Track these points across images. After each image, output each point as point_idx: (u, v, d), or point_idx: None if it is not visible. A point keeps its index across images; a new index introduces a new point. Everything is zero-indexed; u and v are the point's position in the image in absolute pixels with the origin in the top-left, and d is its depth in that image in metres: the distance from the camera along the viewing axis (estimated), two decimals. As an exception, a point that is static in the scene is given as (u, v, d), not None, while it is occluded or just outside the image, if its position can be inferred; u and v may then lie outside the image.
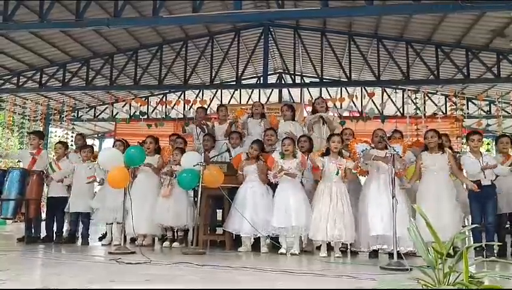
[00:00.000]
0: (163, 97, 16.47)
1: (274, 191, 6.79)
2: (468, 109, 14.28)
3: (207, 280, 4.33)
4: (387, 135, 6.94)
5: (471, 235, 6.60)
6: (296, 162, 6.66)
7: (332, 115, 8.58)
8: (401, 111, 14.80)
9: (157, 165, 7.49)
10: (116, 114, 16.17)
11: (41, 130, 13.64)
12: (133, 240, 7.53)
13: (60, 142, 8.71)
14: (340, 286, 4.10)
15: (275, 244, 6.60)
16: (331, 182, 6.45)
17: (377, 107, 14.48)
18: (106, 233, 7.82)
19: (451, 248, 3.20)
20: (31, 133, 8.33)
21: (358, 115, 14.41)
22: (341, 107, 14.32)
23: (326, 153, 6.65)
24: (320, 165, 6.52)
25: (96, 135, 19.56)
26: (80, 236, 7.65)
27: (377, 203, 6.05)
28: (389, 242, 5.82)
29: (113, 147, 8.06)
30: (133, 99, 15.64)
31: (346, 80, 12.64)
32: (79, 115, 16.85)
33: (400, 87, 14.79)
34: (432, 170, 6.39)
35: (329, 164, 6.48)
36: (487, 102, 14.36)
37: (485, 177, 6.35)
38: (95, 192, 8.05)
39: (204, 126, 8.56)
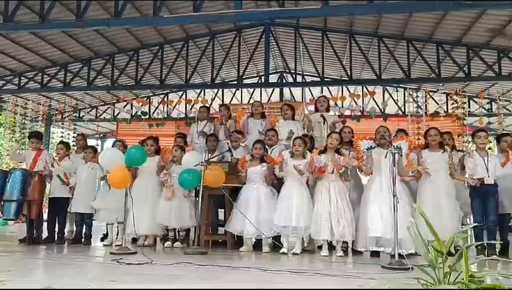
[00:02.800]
0: (164, 97, 16.48)
1: (278, 192, 6.81)
2: (469, 107, 14.24)
3: (208, 280, 4.33)
4: (392, 134, 6.92)
5: (472, 234, 6.59)
6: (305, 162, 6.66)
7: (333, 114, 8.55)
8: (403, 110, 14.78)
9: (157, 165, 7.51)
10: (117, 114, 16.17)
11: (40, 130, 13.62)
12: (134, 240, 7.53)
13: (61, 142, 8.70)
14: (341, 285, 4.10)
15: (276, 244, 6.61)
16: (328, 180, 6.45)
17: (378, 106, 14.47)
18: (107, 233, 7.83)
19: (453, 247, 3.20)
20: (30, 137, 8.29)
21: (359, 113, 14.39)
22: (342, 106, 14.33)
23: (325, 150, 6.65)
24: (319, 163, 6.52)
25: (97, 135, 19.57)
26: (83, 236, 7.66)
27: (378, 205, 6.05)
28: (388, 245, 5.82)
29: (112, 146, 8.06)
30: (134, 99, 15.65)
31: (347, 78, 12.65)
32: (80, 116, 16.88)
33: (401, 85, 14.78)
34: (432, 169, 6.40)
35: (327, 162, 6.48)
36: (488, 100, 14.35)
37: (488, 176, 6.34)
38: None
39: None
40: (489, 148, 7.19)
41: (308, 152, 6.83)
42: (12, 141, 15.30)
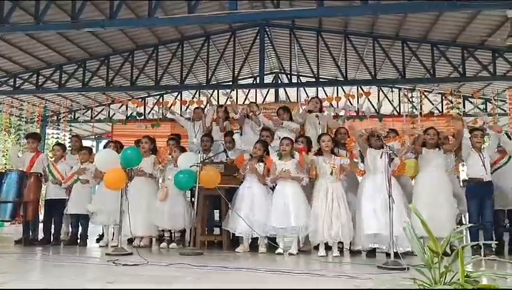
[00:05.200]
0: (160, 98, 16.46)
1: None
2: (464, 107, 14.30)
3: (204, 280, 4.34)
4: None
5: (468, 233, 6.62)
6: (294, 162, 6.66)
7: (326, 114, 8.56)
8: (398, 110, 14.82)
9: (153, 165, 7.51)
10: (113, 115, 16.15)
11: (37, 132, 13.61)
12: (130, 241, 7.52)
13: (58, 143, 8.68)
14: (337, 285, 4.11)
15: (272, 245, 6.61)
16: (326, 181, 6.47)
17: (373, 106, 14.50)
18: (103, 234, 7.82)
19: (449, 246, 3.21)
20: (28, 137, 8.28)
21: (354, 114, 14.41)
22: (337, 106, 14.34)
23: (319, 153, 6.67)
24: (314, 164, 6.54)
25: (93, 136, 19.54)
26: (79, 237, 7.65)
27: (373, 202, 6.06)
28: (385, 242, 5.83)
29: (104, 148, 8.06)
30: (129, 100, 15.62)
31: (342, 79, 12.68)
32: (76, 117, 16.84)
33: (396, 86, 14.83)
34: (428, 167, 6.44)
35: (323, 164, 6.50)
36: (483, 100, 14.41)
37: (486, 174, 6.39)
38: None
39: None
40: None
41: (296, 152, 6.84)
42: (7, 143, 15.27)
